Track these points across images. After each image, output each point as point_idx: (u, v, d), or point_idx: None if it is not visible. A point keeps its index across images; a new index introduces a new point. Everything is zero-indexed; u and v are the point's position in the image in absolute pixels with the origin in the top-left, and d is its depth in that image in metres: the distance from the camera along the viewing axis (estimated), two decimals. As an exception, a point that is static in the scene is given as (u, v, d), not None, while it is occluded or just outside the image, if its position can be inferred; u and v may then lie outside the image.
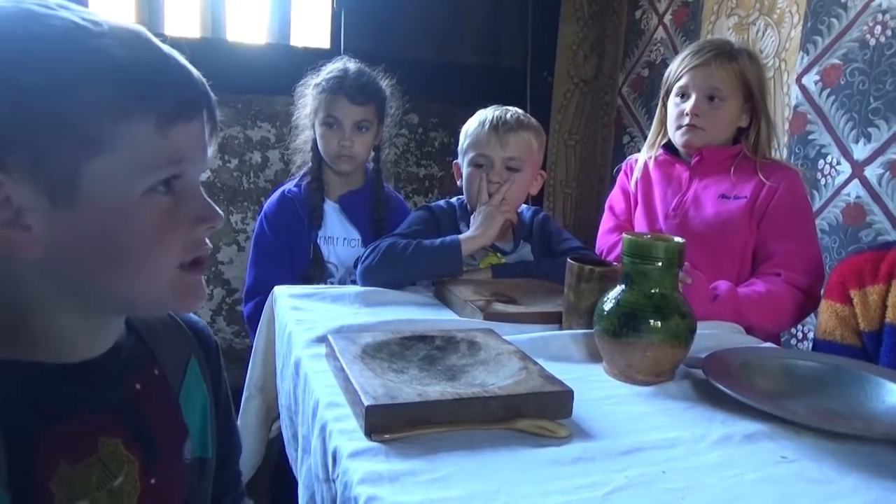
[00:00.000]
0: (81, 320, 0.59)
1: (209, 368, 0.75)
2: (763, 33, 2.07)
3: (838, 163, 1.81)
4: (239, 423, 1.24)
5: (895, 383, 0.88)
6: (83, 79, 0.51)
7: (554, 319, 1.13)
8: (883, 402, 0.86)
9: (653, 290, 0.89)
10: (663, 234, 1.19)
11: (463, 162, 1.44)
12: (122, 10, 2.31)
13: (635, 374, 0.90)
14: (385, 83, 1.67)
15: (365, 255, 1.33)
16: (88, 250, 0.55)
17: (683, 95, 1.43)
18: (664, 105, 1.50)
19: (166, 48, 0.57)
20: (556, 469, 0.66)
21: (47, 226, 0.53)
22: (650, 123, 1.59)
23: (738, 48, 1.42)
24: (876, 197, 1.71)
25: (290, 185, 1.68)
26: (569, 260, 1.08)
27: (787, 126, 1.97)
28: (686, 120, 1.42)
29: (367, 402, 0.70)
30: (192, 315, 0.76)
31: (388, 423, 0.70)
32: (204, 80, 0.59)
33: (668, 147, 1.53)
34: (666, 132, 1.51)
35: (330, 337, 0.90)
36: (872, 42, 1.72)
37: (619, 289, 0.92)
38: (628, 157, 1.64)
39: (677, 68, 1.45)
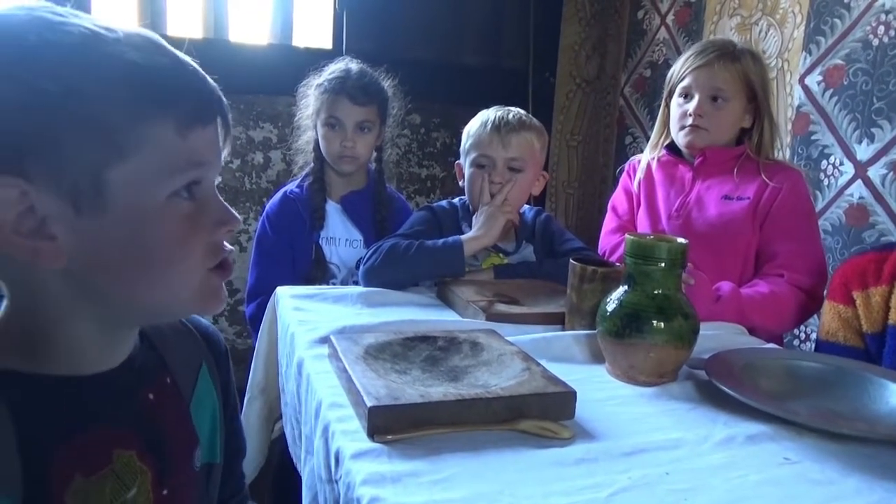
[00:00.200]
0: (99, 332, 0.59)
1: (219, 373, 0.75)
2: (766, 33, 2.07)
3: (841, 163, 1.81)
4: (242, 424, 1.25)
5: (898, 384, 0.87)
6: (102, 84, 0.51)
7: (556, 320, 1.13)
8: (886, 403, 0.86)
9: (656, 291, 0.89)
10: (666, 235, 1.19)
11: (465, 162, 1.44)
12: (125, 10, 2.31)
13: (638, 375, 0.90)
14: (387, 84, 1.67)
15: (367, 255, 1.33)
16: (113, 258, 0.55)
17: (687, 96, 1.43)
18: (667, 105, 1.50)
19: (179, 54, 0.57)
20: (559, 470, 0.66)
21: (72, 235, 0.53)
22: (652, 124, 1.59)
23: (741, 48, 1.42)
24: (879, 197, 1.71)
25: (292, 186, 1.68)
26: (571, 260, 1.08)
27: (789, 126, 1.96)
28: (689, 120, 1.42)
29: (369, 403, 0.70)
30: (201, 319, 0.76)
31: (390, 424, 0.70)
32: (216, 86, 0.60)
33: (672, 148, 1.53)
34: (669, 133, 1.51)
35: (332, 338, 0.91)
36: (875, 42, 1.72)
37: (621, 289, 0.92)
38: (631, 158, 1.64)
39: (680, 69, 1.44)
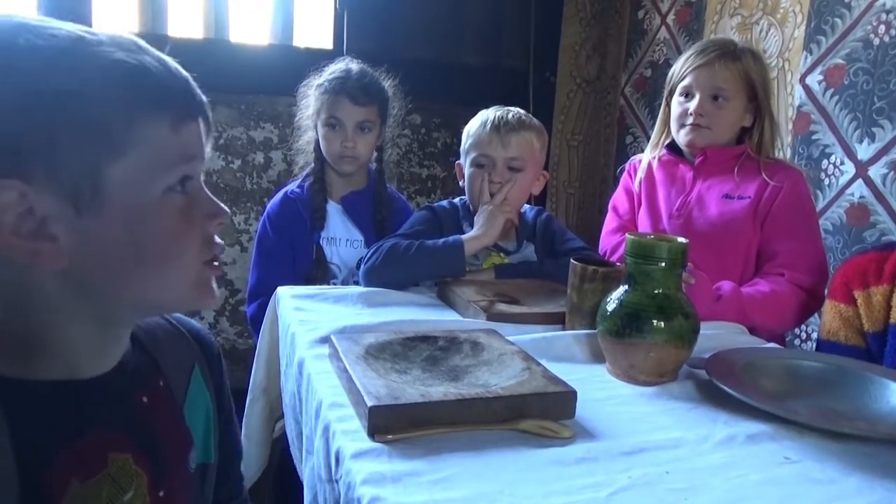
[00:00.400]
0: (94, 334, 0.59)
1: (212, 375, 0.75)
2: (766, 33, 2.07)
3: (842, 163, 1.81)
4: (243, 424, 1.25)
5: (899, 384, 0.87)
6: (96, 84, 0.52)
7: (557, 320, 1.13)
8: (887, 402, 0.85)
9: (656, 291, 0.89)
10: (667, 235, 1.19)
11: (465, 162, 1.44)
12: (126, 11, 2.31)
13: (638, 374, 0.90)
14: (388, 84, 1.67)
15: (367, 255, 1.33)
16: (112, 256, 0.56)
17: (687, 95, 1.43)
18: (667, 105, 1.50)
19: (161, 53, 0.58)
20: (560, 469, 0.66)
21: (73, 234, 0.53)
22: (653, 124, 1.59)
23: (741, 48, 1.42)
24: (880, 197, 1.71)
25: (292, 186, 1.68)
26: (572, 260, 1.08)
27: (790, 126, 1.96)
28: (690, 119, 1.42)
29: (370, 403, 0.70)
30: (192, 321, 0.77)
31: (391, 424, 0.70)
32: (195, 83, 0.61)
33: (672, 147, 1.53)
34: (669, 132, 1.51)
35: (333, 338, 0.91)
36: (876, 42, 1.72)
37: (622, 289, 0.92)
38: (632, 158, 1.64)
39: (681, 68, 1.44)
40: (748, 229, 1.38)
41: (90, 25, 0.56)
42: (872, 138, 1.73)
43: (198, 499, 0.70)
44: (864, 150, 1.75)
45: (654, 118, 1.65)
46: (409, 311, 1.17)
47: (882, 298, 1.16)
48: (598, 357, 0.98)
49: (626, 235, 0.93)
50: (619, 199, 1.61)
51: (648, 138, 1.61)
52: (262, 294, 1.52)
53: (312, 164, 1.67)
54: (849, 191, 1.79)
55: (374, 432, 0.70)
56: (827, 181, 1.85)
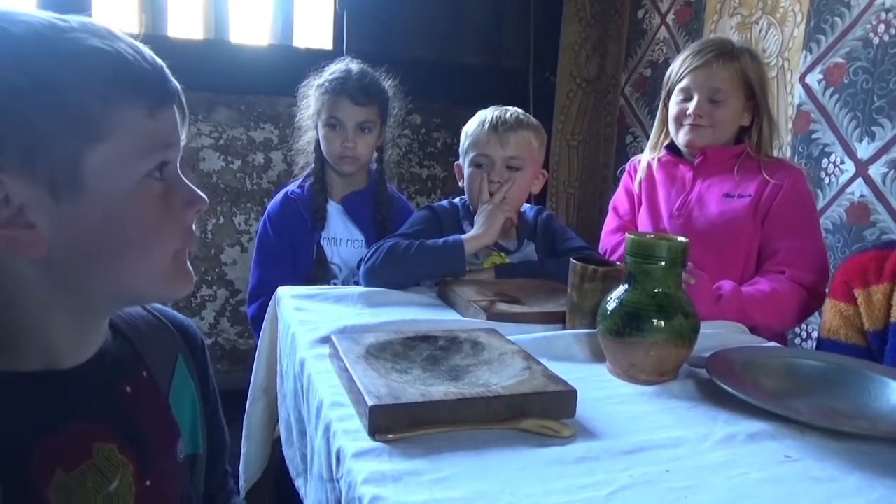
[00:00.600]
0: (73, 323, 0.59)
1: (196, 365, 0.76)
2: (766, 32, 2.07)
3: (842, 161, 1.81)
4: (244, 425, 1.25)
5: (900, 382, 0.87)
6: (70, 70, 0.52)
7: (557, 319, 1.13)
8: (887, 401, 0.85)
9: (656, 290, 0.89)
10: (667, 234, 1.19)
11: (464, 162, 1.45)
12: (126, 11, 2.32)
13: (639, 373, 0.90)
14: (388, 84, 1.67)
15: (368, 255, 1.33)
16: (91, 243, 0.56)
17: (685, 96, 1.43)
18: (665, 105, 1.50)
19: (133, 40, 0.58)
20: (560, 469, 0.66)
21: (51, 222, 0.53)
22: (653, 123, 1.59)
23: (739, 47, 1.42)
24: (880, 196, 1.71)
25: (293, 187, 1.68)
26: (572, 260, 1.08)
27: (790, 125, 1.96)
28: (689, 120, 1.42)
29: (370, 403, 0.70)
30: (176, 313, 0.77)
31: (391, 424, 0.70)
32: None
33: (672, 147, 1.53)
34: (668, 132, 1.51)
35: (333, 337, 0.91)
36: (876, 41, 1.72)
37: (622, 288, 0.92)
38: (632, 158, 1.64)
39: (679, 69, 1.44)
40: (749, 228, 1.38)
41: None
42: (872, 137, 1.73)
43: (187, 489, 0.70)
44: (864, 149, 1.75)
45: (653, 118, 1.65)
46: (410, 311, 1.17)
47: (882, 297, 1.16)
48: (598, 356, 0.98)
49: (626, 235, 0.93)
50: (619, 199, 1.62)
51: (648, 138, 1.61)
52: (263, 294, 1.52)
53: (313, 165, 1.67)
54: (849, 190, 1.79)
55: (374, 432, 0.70)
56: (827, 180, 1.85)
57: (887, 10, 1.69)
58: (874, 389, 0.88)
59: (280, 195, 1.67)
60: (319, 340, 0.98)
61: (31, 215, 0.52)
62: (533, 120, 1.43)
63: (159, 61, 0.59)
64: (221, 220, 2.48)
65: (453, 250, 1.30)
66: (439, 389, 0.76)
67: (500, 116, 1.38)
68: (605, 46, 2.79)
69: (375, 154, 1.70)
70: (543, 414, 0.75)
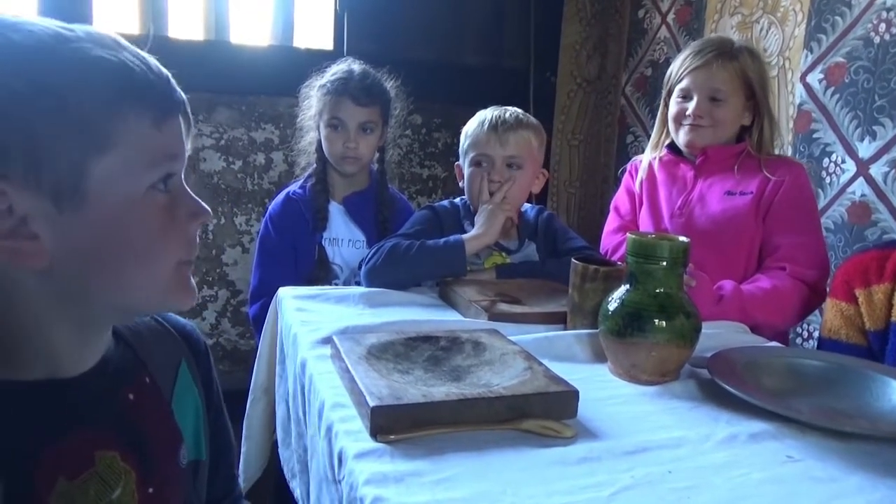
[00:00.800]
0: (75, 332, 0.59)
1: (199, 370, 0.75)
2: (766, 32, 2.06)
3: (843, 161, 1.81)
4: (244, 425, 1.25)
5: (901, 382, 0.87)
6: (75, 81, 0.52)
7: (558, 320, 1.13)
8: (889, 401, 0.85)
9: (657, 290, 0.89)
10: (668, 234, 1.19)
11: (464, 163, 1.45)
12: (127, 12, 2.32)
13: (640, 373, 0.90)
14: (390, 84, 1.67)
15: (369, 256, 1.33)
16: (94, 254, 0.55)
17: (685, 97, 1.43)
18: (666, 105, 1.50)
19: (139, 50, 0.58)
20: (562, 469, 0.66)
21: (54, 232, 0.53)
22: (654, 123, 1.59)
23: (738, 47, 1.42)
24: (881, 195, 1.71)
25: (294, 187, 1.68)
26: (573, 260, 1.08)
27: (791, 124, 1.96)
28: (688, 120, 1.42)
29: (372, 403, 0.70)
30: (179, 318, 0.77)
31: (393, 424, 0.70)
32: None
33: (673, 147, 1.53)
34: (669, 132, 1.51)
35: (335, 338, 0.91)
36: (877, 40, 1.72)
37: (623, 289, 0.92)
38: (633, 158, 1.64)
39: (678, 69, 1.44)
40: (751, 225, 1.38)
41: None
42: (873, 136, 1.73)
43: (190, 495, 0.70)
44: (865, 149, 1.75)
45: (654, 117, 1.64)
46: (411, 312, 1.17)
47: (883, 297, 1.16)
48: (599, 356, 0.98)
49: (628, 235, 0.93)
50: (620, 199, 1.62)
51: (649, 138, 1.61)
52: (265, 295, 1.52)
53: (314, 165, 1.68)
54: (850, 189, 1.79)
55: (376, 432, 0.70)
56: (828, 179, 1.85)
57: (888, 10, 1.69)
58: (876, 389, 0.88)
59: (281, 196, 1.68)
60: (321, 341, 0.98)
61: (34, 226, 0.52)
62: (532, 120, 1.43)
63: (165, 71, 0.59)
64: (222, 220, 2.48)
65: (454, 250, 1.30)
66: (441, 390, 0.76)
67: (499, 116, 1.38)
68: (605, 46, 2.79)
69: (377, 154, 1.71)
70: (545, 414, 0.75)
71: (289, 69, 1.88)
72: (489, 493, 0.61)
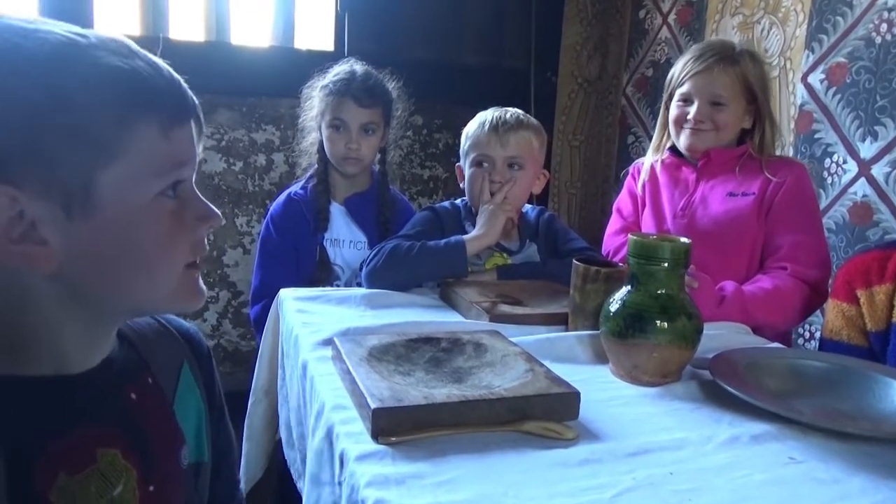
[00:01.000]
0: (84, 331, 0.60)
1: (202, 373, 0.76)
2: (768, 32, 2.06)
3: (845, 161, 1.81)
4: (245, 426, 1.25)
5: (903, 383, 0.87)
6: (86, 89, 0.52)
7: (560, 321, 1.13)
8: (891, 402, 0.85)
9: (659, 291, 0.89)
10: (669, 235, 1.19)
11: (465, 163, 1.45)
12: (127, 13, 2.32)
13: (642, 375, 0.90)
14: (391, 86, 1.67)
15: (370, 257, 1.33)
16: (103, 259, 0.56)
17: (686, 101, 1.43)
18: (667, 108, 1.50)
19: (153, 56, 0.58)
20: (564, 471, 0.66)
21: (63, 238, 0.54)
22: (655, 123, 1.59)
23: (739, 50, 1.41)
24: (883, 195, 1.71)
25: (296, 188, 1.68)
26: (574, 261, 1.08)
27: (792, 125, 1.96)
28: (689, 124, 1.42)
29: (373, 405, 0.70)
30: (182, 321, 0.77)
31: (394, 426, 0.70)
32: (187, 86, 0.61)
33: (675, 150, 1.53)
34: (670, 135, 1.51)
35: (336, 340, 0.91)
36: (878, 40, 1.72)
37: (624, 290, 0.92)
38: (635, 161, 1.64)
39: (679, 73, 1.44)
40: (753, 226, 1.38)
41: (91, 28, 0.56)
42: (875, 137, 1.72)
43: (191, 496, 0.70)
44: (866, 149, 1.75)
45: (655, 118, 1.64)
46: (412, 313, 1.17)
47: (885, 297, 1.16)
48: (601, 358, 0.98)
49: (629, 236, 0.93)
50: (622, 201, 1.62)
51: (650, 138, 1.61)
52: (266, 296, 1.52)
53: (316, 166, 1.68)
54: (851, 189, 1.79)
55: (377, 434, 0.70)
56: (830, 180, 1.85)
57: (889, 10, 1.69)
58: (878, 390, 0.88)
59: (283, 196, 1.68)
60: (322, 342, 0.98)
61: (43, 231, 0.53)
62: (533, 120, 1.43)
63: (177, 77, 0.59)
64: (223, 222, 2.48)
65: (455, 251, 1.30)
66: (442, 392, 0.76)
67: (500, 117, 1.38)
68: (606, 46, 2.79)
69: (378, 155, 1.71)
70: (546, 416, 0.75)
71: (289, 70, 1.88)
72: (491, 495, 0.61)
